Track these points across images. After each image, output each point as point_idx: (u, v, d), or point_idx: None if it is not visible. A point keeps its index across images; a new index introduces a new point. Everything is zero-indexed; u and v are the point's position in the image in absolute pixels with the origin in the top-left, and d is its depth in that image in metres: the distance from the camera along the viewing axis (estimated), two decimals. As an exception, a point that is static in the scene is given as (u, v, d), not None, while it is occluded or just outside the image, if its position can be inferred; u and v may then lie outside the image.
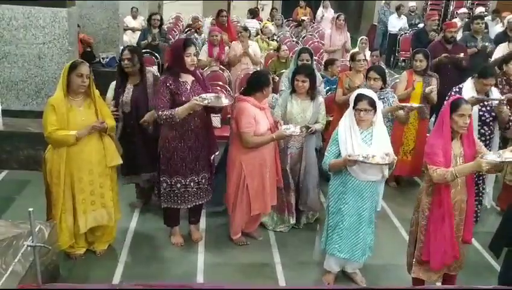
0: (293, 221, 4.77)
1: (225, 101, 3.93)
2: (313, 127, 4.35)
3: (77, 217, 3.96)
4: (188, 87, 4.00)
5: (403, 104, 4.88)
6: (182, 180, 4.16)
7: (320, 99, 4.58)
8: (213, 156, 4.28)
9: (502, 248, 3.61)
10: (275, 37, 9.59)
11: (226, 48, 7.45)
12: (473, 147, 3.50)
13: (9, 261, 3.17)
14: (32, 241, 3.00)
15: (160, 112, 3.89)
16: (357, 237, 3.83)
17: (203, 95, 3.87)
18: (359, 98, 3.64)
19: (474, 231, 4.53)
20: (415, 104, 4.99)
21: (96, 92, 3.98)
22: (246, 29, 7.30)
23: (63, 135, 3.76)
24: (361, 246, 3.86)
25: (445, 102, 4.77)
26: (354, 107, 3.65)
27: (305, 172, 4.63)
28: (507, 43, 7.19)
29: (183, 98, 3.93)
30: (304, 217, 4.89)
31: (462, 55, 6.51)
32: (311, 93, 4.50)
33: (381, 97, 4.68)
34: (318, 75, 5.63)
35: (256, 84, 4.21)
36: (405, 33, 11.65)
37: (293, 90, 4.54)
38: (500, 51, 7.08)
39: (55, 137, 3.77)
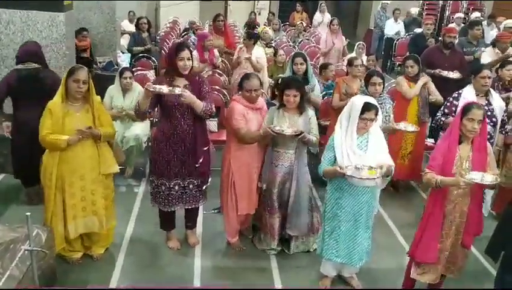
0: (273, 245, 4.49)
1: (166, 90, 3.80)
2: (306, 134, 4.07)
3: (67, 222, 3.95)
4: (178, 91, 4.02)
5: (398, 125, 4.92)
6: (166, 183, 4.17)
7: (310, 113, 4.25)
8: (199, 161, 4.16)
9: (499, 252, 3.64)
10: (273, 43, 9.60)
11: (215, 51, 7.49)
12: (484, 153, 3.53)
13: (6, 266, 3.18)
14: (30, 246, 3.02)
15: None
16: (354, 242, 3.83)
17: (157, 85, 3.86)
18: (367, 107, 3.61)
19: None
20: (410, 128, 5.00)
21: (97, 98, 3.99)
22: (249, 37, 7.28)
23: (54, 139, 3.77)
24: (358, 251, 3.86)
25: (442, 107, 4.85)
26: (360, 116, 3.61)
27: (295, 193, 4.28)
28: (492, 47, 7.21)
29: (169, 102, 3.97)
30: (294, 244, 4.51)
31: (455, 75, 6.48)
32: (301, 107, 4.19)
33: (380, 102, 4.67)
34: (314, 79, 5.67)
35: (238, 85, 4.32)
36: (402, 38, 11.69)
37: (281, 105, 4.22)
38: (487, 55, 7.07)
39: (47, 140, 3.79)
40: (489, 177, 3.34)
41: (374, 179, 3.56)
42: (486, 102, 4.80)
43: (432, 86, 5.59)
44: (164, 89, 3.82)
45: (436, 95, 5.54)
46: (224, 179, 4.39)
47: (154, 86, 3.84)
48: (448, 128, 3.64)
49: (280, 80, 4.56)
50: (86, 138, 3.88)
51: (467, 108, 3.49)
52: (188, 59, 3.98)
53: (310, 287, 4.13)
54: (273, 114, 4.23)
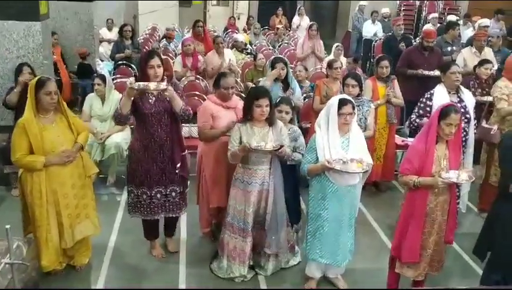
0: (244, 271, 4.14)
1: (153, 86, 3.76)
2: (286, 149, 3.88)
3: (63, 232, 3.89)
4: (153, 98, 3.98)
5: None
6: (148, 192, 4.13)
7: (280, 124, 4.01)
8: (178, 166, 4.13)
9: (486, 252, 3.70)
10: (247, 47, 9.58)
11: (200, 56, 7.50)
12: (458, 151, 3.60)
13: (-13, 280, 3.12)
14: (10, 259, 2.97)
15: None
16: (338, 242, 3.86)
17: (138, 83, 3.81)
18: (343, 102, 3.70)
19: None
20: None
21: (64, 104, 3.93)
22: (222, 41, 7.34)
23: (30, 160, 3.69)
24: (342, 251, 3.89)
25: (415, 107, 4.91)
26: (338, 113, 3.68)
27: (272, 210, 4.02)
28: (470, 46, 7.33)
29: (145, 110, 3.95)
30: (272, 263, 4.26)
31: (437, 73, 6.57)
32: (270, 119, 3.94)
33: (357, 104, 4.70)
34: (295, 82, 5.69)
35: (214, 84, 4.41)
36: (380, 39, 11.78)
37: (250, 118, 3.94)
38: (465, 54, 7.13)
39: (23, 163, 3.71)
40: (464, 175, 3.45)
41: (362, 172, 3.64)
42: (458, 99, 4.81)
43: (397, 89, 5.78)
44: (151, 85, 3.76)
45: (399, 98, 5.77)
46: (197, 174, 4.48)
47: (138, 83, 3.77)
48: (424, 129, 3.66)
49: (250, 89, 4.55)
50: (73, 157, 3.84)
51: (445, 112, 3.49)
52: (159, 66, 3.94)
53: (296, 289, 4.13)
54: (239, 130, 3.94)
